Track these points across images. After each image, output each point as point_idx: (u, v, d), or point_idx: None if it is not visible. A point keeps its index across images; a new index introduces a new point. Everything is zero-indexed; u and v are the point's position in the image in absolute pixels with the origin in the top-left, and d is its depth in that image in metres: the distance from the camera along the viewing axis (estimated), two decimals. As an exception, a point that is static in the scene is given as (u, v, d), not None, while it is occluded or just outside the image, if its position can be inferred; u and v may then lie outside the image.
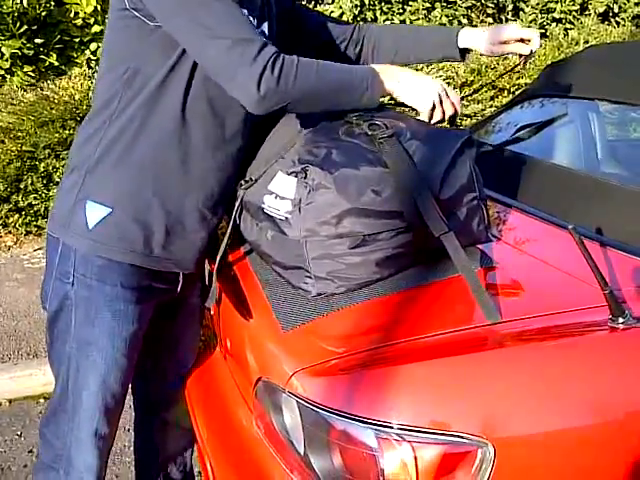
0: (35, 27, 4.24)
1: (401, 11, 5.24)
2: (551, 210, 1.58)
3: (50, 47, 4.33)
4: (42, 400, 2.68)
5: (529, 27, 2.31)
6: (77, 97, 3.92)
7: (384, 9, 5.18)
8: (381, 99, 1.38)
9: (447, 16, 5.30)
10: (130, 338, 1.40)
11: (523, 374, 1.12)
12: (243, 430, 1.40)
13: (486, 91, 4.49)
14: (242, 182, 1.42)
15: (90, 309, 1.36)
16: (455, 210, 1.32)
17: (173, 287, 1.46)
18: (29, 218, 4.05)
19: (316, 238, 1.25)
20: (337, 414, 1.09)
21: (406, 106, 1.43)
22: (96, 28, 4.35)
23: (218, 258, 1.42)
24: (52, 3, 4.33)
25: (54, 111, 3.85)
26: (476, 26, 4.97)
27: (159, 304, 1.48)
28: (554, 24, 5.54)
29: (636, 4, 5.65)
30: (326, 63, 1.32)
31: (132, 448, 1.86)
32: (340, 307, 1.27)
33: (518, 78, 4.60)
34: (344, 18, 4.94)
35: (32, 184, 3.92)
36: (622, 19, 5.68)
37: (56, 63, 4.38)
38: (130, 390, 1.55)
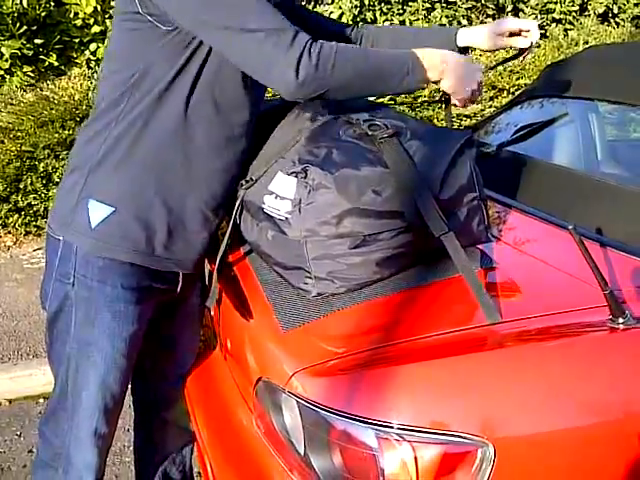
0: (35, 27, 4.24)
1: (401, 12, 5.24)
2: (551, 210, 1.58)
3: (50, 47, 4.34)
4: (42, 400, 2.68)
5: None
6: (77, 97, 3.93)
7: (384, 10, 5.18)
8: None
9: (447, 17, 5.30)
10: (130, 338, 1.40)
11: (523, 374, 1.12)
12: (243, 430, 1.40)
13: (486, 91, 4.49)
14: (242, 182, 1.42)
15: (90, 310, 1.36)
16: (455, 210, 1.32)
17: (173, 287, 1.46)
18: (28, 218, 4.05)
19: (316, 238, 1.25)
20: (337, 414, 1.09)
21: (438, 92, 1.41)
22: (96, 28, 4.35)
23: (218, 258, 1.42)
24: (52, 3, 4.33)
25: (54, 111, 3.86)
26: (476, 26, 4.96)
27: (159, 304, 1.49)
28: (554, 25, 5.56)
29: (635, 5, 5.67)
30: (366, 49, 1.30)
31: (132, 448, 1.86)
32: (340, 307, 1.27)
33: (518, 78, 4.61)
34: (344, 19, 4.94)
35: (32, 184, 3.92)
36: (622, 20, 5.69)
37: (56, 63, 4.39)
38: (130, 390, 1.55)
